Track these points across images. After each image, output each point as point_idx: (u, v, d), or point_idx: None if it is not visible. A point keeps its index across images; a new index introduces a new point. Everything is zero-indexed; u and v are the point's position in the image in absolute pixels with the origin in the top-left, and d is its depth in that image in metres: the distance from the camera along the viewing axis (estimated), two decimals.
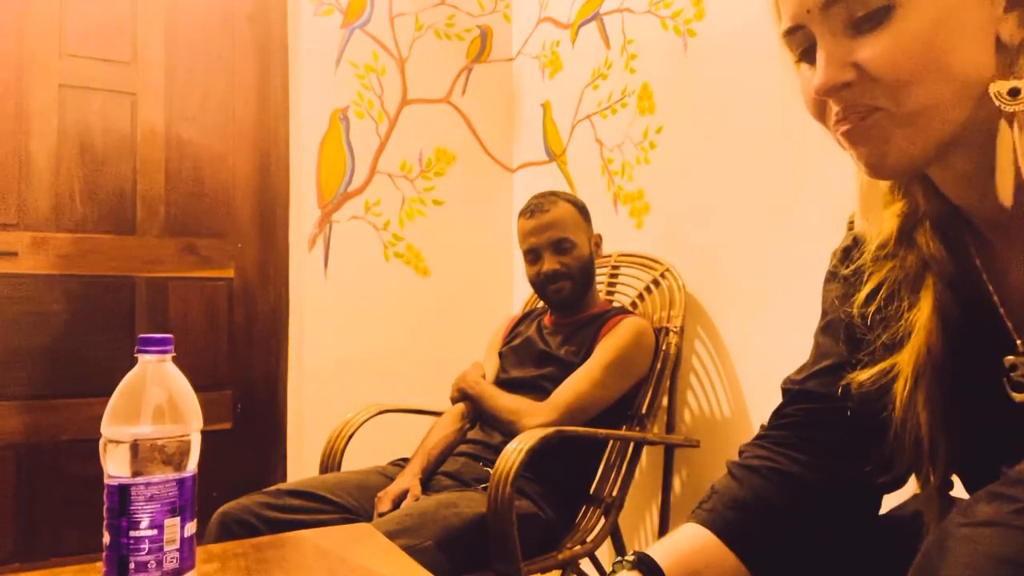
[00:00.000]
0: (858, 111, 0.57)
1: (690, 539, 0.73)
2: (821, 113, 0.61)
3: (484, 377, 1.84)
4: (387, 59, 2.54)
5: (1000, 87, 0.54)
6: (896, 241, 0.66)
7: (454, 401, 1.82)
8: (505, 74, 2.75)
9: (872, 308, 0.67)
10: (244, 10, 2.52)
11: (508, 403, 1.68)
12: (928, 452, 0.63)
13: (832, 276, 0.77)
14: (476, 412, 1.77)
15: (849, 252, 0.74)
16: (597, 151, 2.31)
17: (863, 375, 0.66)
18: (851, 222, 0.76)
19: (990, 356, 0.63)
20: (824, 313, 0.78)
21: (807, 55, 0.60)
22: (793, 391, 0.78)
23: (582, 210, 1.84)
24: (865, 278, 0.68)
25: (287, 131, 2.54)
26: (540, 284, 1.80)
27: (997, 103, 0.54)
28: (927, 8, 0.54)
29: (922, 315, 0.63)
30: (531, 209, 1.80)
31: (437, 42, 2.63)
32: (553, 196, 1.82)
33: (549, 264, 1.77)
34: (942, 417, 0.62)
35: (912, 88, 0.55)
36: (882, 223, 0.66)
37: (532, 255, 1.81)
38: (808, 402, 0.76)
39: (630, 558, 0.69)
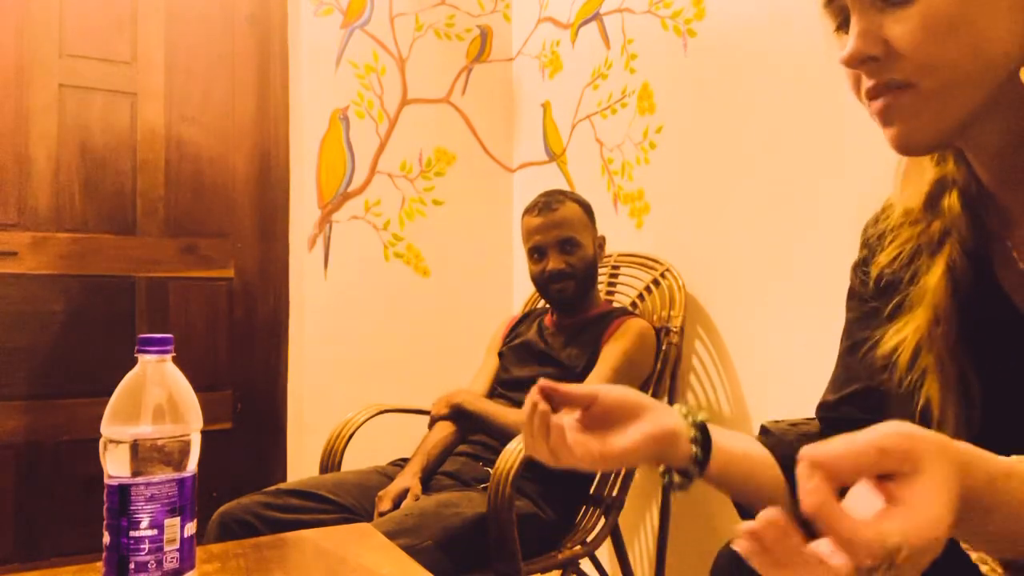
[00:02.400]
0: (890, 88, 0.58)
1: (748, 442, 0.73)
2: (856, 85, 0.62)
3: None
4: (387, 59, 2.54)
5: None
6: (923, 207, 0.67)
7: (443, 419, 1.74)
8: (505, 74, 2.75)
9: (889, 271, 0.68)
10: (244, 10, 2.52)
11: (519, 417, 1.63)
12: (938, 421, 0.63)
13: (853, 294, 0.77)
14: (475, 428, 1.72)
15: (866, 269, 0.74)
16: (597, 151, 2.31)
17: (885, 345, 0.66)
18: (866, 229, 0.75)
19: (999, 330, 0.63)
20: (849, 333, 0.77)
21: (845, 24, 0.61)
22: (829, 419, 0.76)
23: (588, 211, 1.84)
24: (887, 243, 0.69)
25: (287, 131, 2.54)
26: (543, 283, 1.80)
27: None
28: None
29: (933, 278, 0.64)
30: (539, 206, 1.80)
31: (437, 42, 2.63)
32: (561, 195, 1.82)
33: (554, 263, 1.77)
34: (953, 386, 0.62)
35: (939, 65, 0.56)
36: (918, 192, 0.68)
37: (537, 253, 1.80)
38: (847, 428, 0.75)
39: (700, 416, 0.69)
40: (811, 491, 0.40)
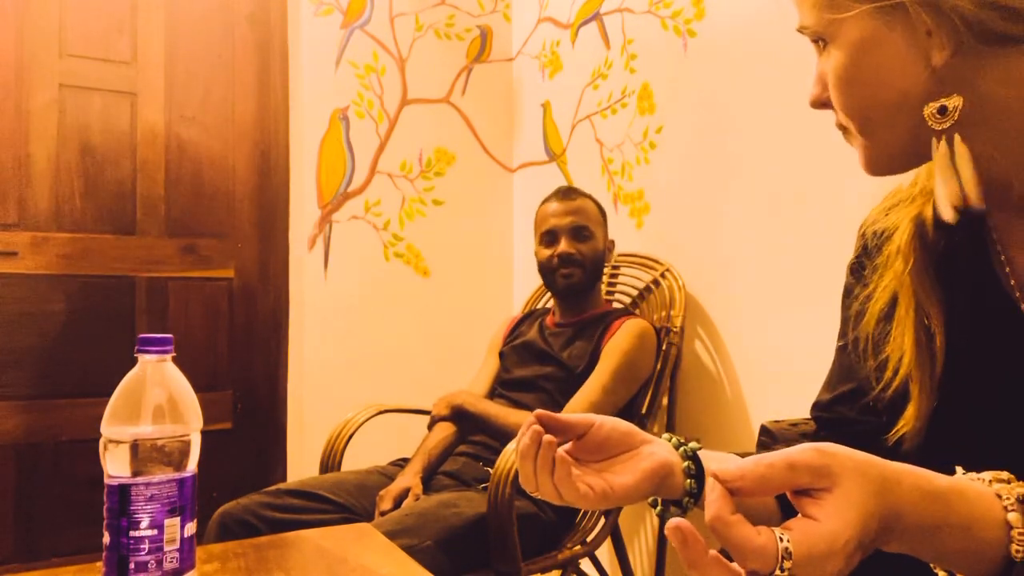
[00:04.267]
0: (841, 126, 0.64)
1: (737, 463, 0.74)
2: None
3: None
4: (387, 59, 2.54)
5: (931, 108, 0.57)
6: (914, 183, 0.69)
7: (443, 419, 1.74)
8: (505, 74, 2.75)
9: (874, 231, 0.71)
10: (244, 10, 2.52)
11: (520, 419, 1.62)
12: (916, 395, 0.63)
13: (848, 293, 0.77)
14: (476, 429, 1.73)
15: (862, 262, 0.74)
16: (597, 151, 2.31)
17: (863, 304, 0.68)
18: (862, 231, 0.75)
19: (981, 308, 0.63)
20: (843, 333, 0.77)
21: None
22: (824, 418, 0.76)
23: (602, 211, 1.91)
24: (884, 242, 0.71)
25: (287, 131, 2.54)
26: (552, 268, 1.82)
27: (929, 123, 0.57)
28: (846, 42, 0.58)
29: (903, 234, 0.66)
30: (558, 194, 1.87)
31: (437, 42, 2.63)
32: (580, 191, 1.90)
33: (566, 246, 1.80)
34: (925, 355, 0.63)
35: (851, 113, 0.60)
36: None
37: (550, 236, 1.83)
38: (840, 428, 0.74)
39: (692, 445, 0.68)
40: (709, 504, 0.43)
